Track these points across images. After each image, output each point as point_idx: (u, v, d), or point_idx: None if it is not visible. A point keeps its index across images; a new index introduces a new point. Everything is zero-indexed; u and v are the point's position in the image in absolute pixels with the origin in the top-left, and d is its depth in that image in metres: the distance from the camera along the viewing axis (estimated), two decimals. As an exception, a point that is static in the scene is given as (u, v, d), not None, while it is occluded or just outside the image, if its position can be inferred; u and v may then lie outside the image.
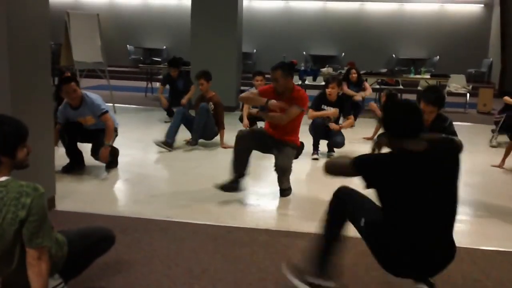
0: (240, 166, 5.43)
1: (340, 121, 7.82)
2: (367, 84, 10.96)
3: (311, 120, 7.56)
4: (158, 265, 3.80)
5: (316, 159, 7.37)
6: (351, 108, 8.06)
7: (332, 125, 7.45)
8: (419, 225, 2.91)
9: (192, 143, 7.85)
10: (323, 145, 7.62)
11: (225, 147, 7.89)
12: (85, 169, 6.39)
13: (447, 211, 2.99)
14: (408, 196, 2.90)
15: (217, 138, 8.09)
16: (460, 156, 3.04)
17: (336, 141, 7.53)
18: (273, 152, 5.54)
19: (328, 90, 7.61)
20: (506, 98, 8.67)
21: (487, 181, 6.59)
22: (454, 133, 5.14)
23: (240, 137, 5.39)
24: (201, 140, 8.05)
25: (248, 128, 5.47)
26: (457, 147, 3.14)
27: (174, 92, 10.48)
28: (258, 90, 5.84)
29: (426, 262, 2.99)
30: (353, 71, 10.93)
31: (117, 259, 3.82)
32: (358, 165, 3.01)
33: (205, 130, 7.91)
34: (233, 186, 5.46)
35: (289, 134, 5.52)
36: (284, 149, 5.44)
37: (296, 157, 5.70)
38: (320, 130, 7.47)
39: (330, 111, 7.53)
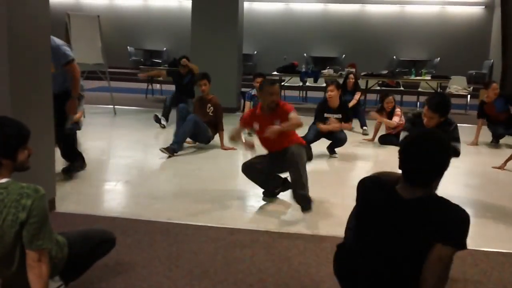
0: (267, 184, 5.49)
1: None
2: (357, 96, 10.50)
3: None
4: (159, 267, 3.79)
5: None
6: (352, 116, 7.98)
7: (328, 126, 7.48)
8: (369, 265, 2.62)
9: (169, 150, 7.31)
10: (323, 146, 7.62)
11: (225, 149, 7.88)
12: (86, 171, 6.37)
13: (399, 274, 2.51)
14: (372, 234, 2.61)
15: (217, 139, 8.08)
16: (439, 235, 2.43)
17: (338, 137, 7.53)
18: (283, 163, 5.26)
19: (328, 94, 7.62)
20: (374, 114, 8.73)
21: (488, 183, 6.58)
22: (457, 139, 5.10)
23: (246, 169, 5.36)
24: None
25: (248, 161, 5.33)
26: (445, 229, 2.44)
27: (179, 87, 10.51)
28: (243, 118, 5.64)
29: None
30: (351, 76, 10.63)
31: (117, 260, 3.81)
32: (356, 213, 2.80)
33: (199, 136, 7.87)
34: (273, 192, 5.57)
35: (287, 140, 5.33)
36: (290, 148, 5.19)
37: (310, 159, 5.46)
38: (314, 140, 7.52)
39: (336, 125, 7.47)
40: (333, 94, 7.57)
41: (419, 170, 2.44)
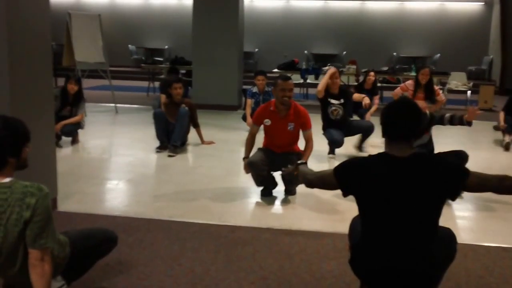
0: (264, 182, 5.51)
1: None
2: (376, 101, 9.52)
3: (324, 128, 7.45)
4: (161, 265, 3.79)
5: (333, 158, 7.38)
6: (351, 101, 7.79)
7: (368, 116, 7.36)
8: (386, 238, 2.74)
9: (174, 150, 7.38)
10: (324, 145, 7.58)
11: (207, 143, 7.93)
12: (87, 169, 6.37)
13: (416, 230, 2.71)
14: (378, 203, 2.74)
15: (217, 138, 8.06)
16: (454, 176, 2.77)
17: (363, 127, 7.41)
18: (281, 167, 5.41)
19: (334, 81, 7.37)
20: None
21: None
22: (440, 117, 5.65)
23: (251, 165, 5.33)
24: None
25: (254, 156, 5.37)
26: (455, 169, 2.83)
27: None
28: (256, 115, 5.58)
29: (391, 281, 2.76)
30: (372, 74, 9.65)
31: (119, 259, 3.81)
32: (336, 170, 2.91)
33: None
34: (268, 191, 5.59)
35: (292, 145, 5.52)
36: (295, 159, 5.34)
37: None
38: (339, 146, 7.41)
39: (329, 71, 7.35)
40: (337, 82, 7.41)
41: (402, 126, 2.77)
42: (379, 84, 13.46)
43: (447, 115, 5.76)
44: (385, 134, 2.85)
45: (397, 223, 2.72)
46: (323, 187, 3.09)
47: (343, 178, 2.88)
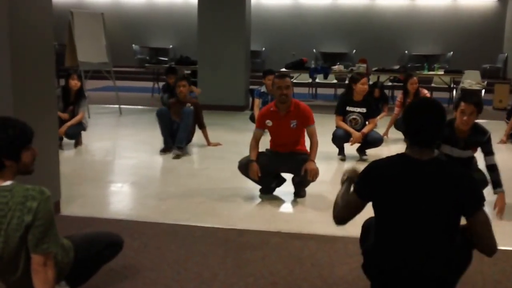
0: (263, 182, 5.50)
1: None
2: (385, 110, 9.64)
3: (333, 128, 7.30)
4: (167, 270, 3.74)
5: (343, 159, 7.25)
6: (376, 109, 7.66)
7: (353, 141, 7.07)
8: (401, 240, 2.70)
9: (180, 151, 7.28)
10: (332, 145, 7.47)
11: (214, 145, 7.86)
12: (91, 172, 6.31)
13: (432, 232, 2.67)
14: (394, 203, 2.70)
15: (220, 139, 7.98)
16: (473, 187, 2.70)
17: (373, 138, 7.15)
18: (287, 168, 5.43)
19: (360, 87, 7.14)
20: None
21: (505, 179, 6.43)
22: (490, 152, 4.95)
23: (242, 167, 5.37)
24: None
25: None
26: (472, 180, 2.74)
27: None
28: (258, 118, 5.58)
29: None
30: (377, 90, 9.70)
31: (124, 264, 3.77)
32: (356, 189, 2.86)
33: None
34: (269, 188, 5.60)
35: (297, 144, 5.46)
36: (301, 160, 5.27)
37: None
38: (343, 142, 7.24)
39: (355, 135, 7.04)
40: (366, 88, 7.21)
41: (425, 129, 2.69)
42: (389, 83, 13.40)
43: (494, 164, 5.03)
44: (406, 136, 2.81)
45: (412, 225, 2.68)
46: (349, 214, 2.97)
47: (364, 188, 2.82)
